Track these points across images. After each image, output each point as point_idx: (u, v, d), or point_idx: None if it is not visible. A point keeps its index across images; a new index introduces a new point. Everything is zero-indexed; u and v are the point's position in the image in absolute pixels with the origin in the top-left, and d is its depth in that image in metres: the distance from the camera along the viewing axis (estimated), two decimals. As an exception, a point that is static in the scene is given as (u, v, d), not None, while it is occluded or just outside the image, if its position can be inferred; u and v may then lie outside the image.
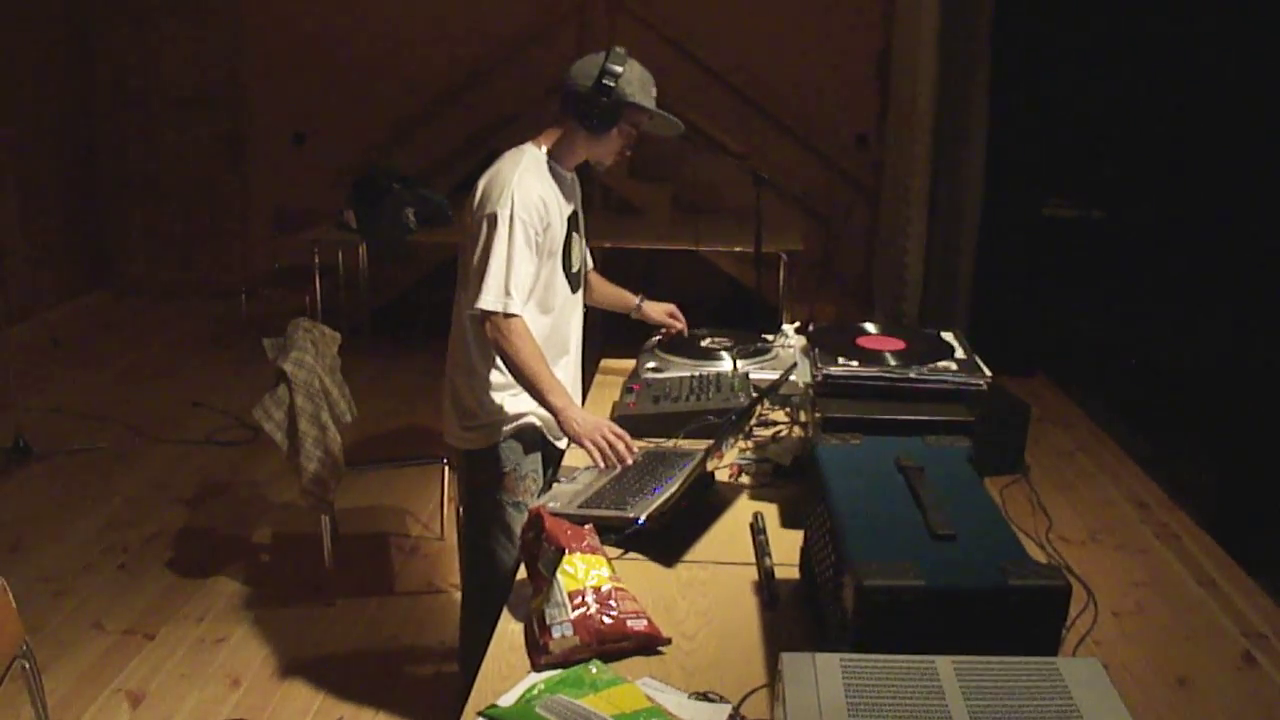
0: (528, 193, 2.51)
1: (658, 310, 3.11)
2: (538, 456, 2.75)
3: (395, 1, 7.15)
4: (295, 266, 6.62)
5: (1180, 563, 4.12)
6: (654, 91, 2.61)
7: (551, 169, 2.62)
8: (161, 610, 3.74)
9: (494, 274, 2.46)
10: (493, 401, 2.66)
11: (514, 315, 2.47)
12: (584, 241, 2.84)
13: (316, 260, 6.37)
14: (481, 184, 2.57)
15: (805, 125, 7.03)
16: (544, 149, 2.63)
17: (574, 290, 2.77)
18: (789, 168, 6.93)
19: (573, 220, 2.71)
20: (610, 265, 6.96)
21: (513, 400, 2.66)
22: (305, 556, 4.07)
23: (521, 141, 2.66)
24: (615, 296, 3.09)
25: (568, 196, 2.69)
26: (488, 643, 1.79)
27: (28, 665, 2.38)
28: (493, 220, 2.48)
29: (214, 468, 4.94)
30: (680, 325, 3.12)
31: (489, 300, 2.46)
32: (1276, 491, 4.78)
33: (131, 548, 4.18)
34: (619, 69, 2.52)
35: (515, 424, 2.68)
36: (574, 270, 2.75)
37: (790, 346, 3.07)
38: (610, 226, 6.48)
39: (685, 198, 7.01)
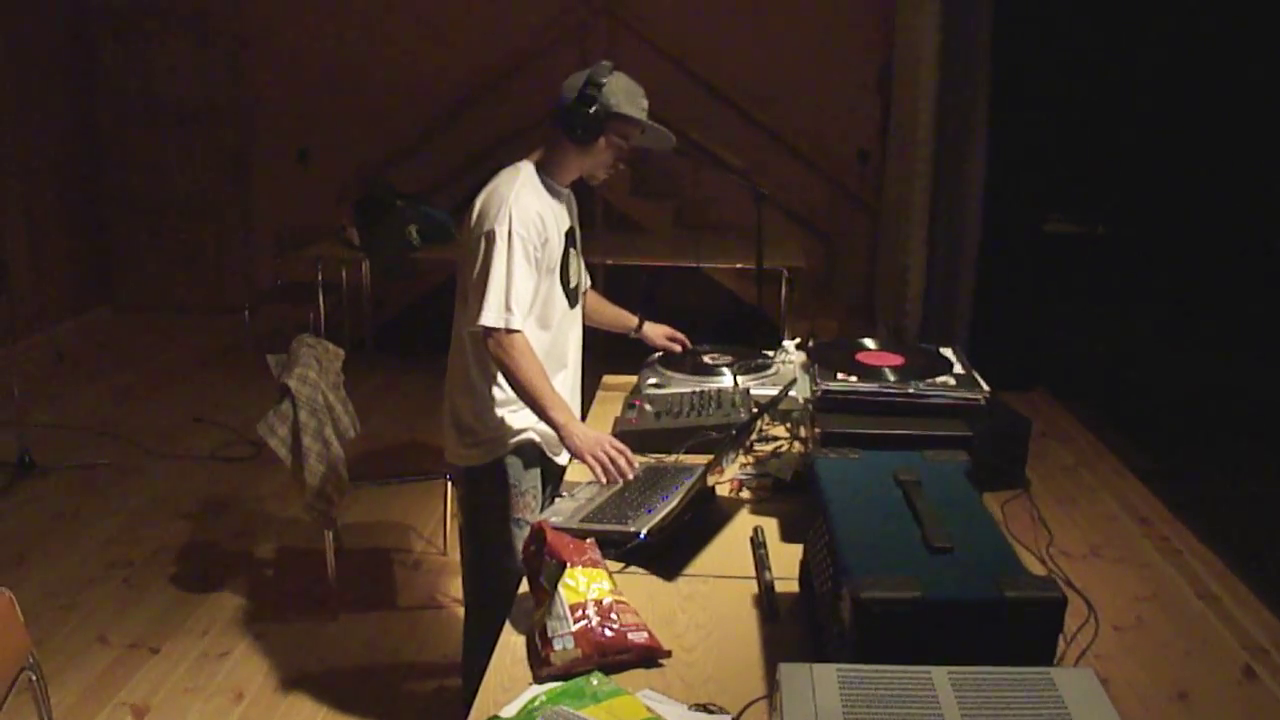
0: (525, 209, 2.52)
1: (657, 332, 3.14)
2: (537, 473, 2.76)
3: (398, 19, 7.20)
4: (299, 283, 6.65)
5: (1181, 577, 4.13)
6: (644, 104, 2.61)
7: (547, 185, 2.63)
8: (165, 624, 3.76)
9: (494, 290, 2.47)
10: (493, 418, 2.67)
11: (515, 331, 2.49)
12: (581, 258, 2.85)
13: (320, 277, 6.40)
14: (479, 201, 2.58)
15: (807, 141, 7.06)
16: (538, 165, 2.65)
17: (572, 306, 2.78)
18: (791, 184, 6.97)
19: (570, 236, 2.73)
20: (612, 282, 7.01)
21: (513, 416, 2.67)
22: (308, 571, 4.08)
23: (520, 159, 2.68)
24: (615, 317, 3.12)
25: (565, 212, 2.70)
26: (489, 657, 1.81)
27: (34, 677, 2.39)
28: (491, 237, 2.49)
29: (218, 483, 4.96)
30: (678, 348, 3.15)
31: (490, 316, 2.47)
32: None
33: (136, 562, 4.19)
34: (602, 80, 2.54)
35: (515, 440, 2.69)
36: (572, 286, 2.76)
37: (790, 362, 3.09)
38: (612, 243, 6.51)
39: (687, 214, 7.04)
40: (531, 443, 2.72)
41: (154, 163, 7.62)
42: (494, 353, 2.51)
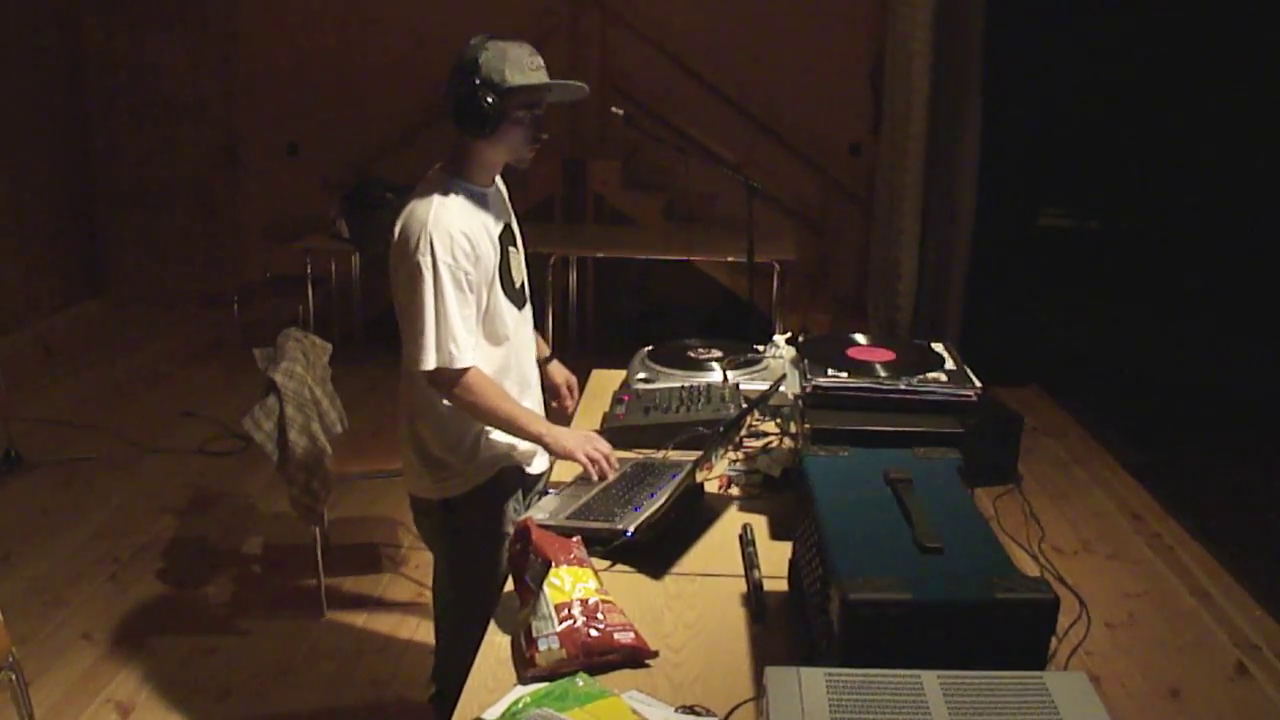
0: (446, 232, 2.29)
1: (559, 374, 2.88)
2: (519, 493, 2.62)
3: (388, 12, 7.15)
4: (288, 276, 6.61)
5: (1173, 573, 4.12)
6: (534, 62, 2.36)
7: (467, 192, 2.38)
8: (151, 621, 3.73)
9: (430, 331, 2.29)
10: (467, 447, 2.50)
11: (464, 369, 2.33)
12: (522, 254, 2.60)
13: (309, 270, 6.36)
14: (398, 228, 2.35)
15: (799, 135, 7.03)
16: (452, 173, 2.41)
17: (520, 307, 2.55)
18: (782, 177, 6.94)
19: (505, 236, 2.49)
20: (604, 275, 6.98)
21: (489, 441, 2.50)
22: (296, 567, 4.06)
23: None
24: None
25: (494, 214, 2.46)
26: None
27: (14, 677, 2.37)
28: (417, 271, 2.28)
29: (205, 478, 4.93)
30: (567, 404, 2.89)
31: (432, 359, 2.30)
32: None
33: (122, 558, 4.16)
34: (478, 60, 2.29)
35: (499, 465, 2.54)
36: (516, 286, 2.53)
37: (781, 357, 3.06)
38: (603, 236, 6.49)
39: (678, 207, 7.01)
40: (514, 464, 2.57)
41: (143, 155, 7.56)
42: (445, 395, 2.36)
